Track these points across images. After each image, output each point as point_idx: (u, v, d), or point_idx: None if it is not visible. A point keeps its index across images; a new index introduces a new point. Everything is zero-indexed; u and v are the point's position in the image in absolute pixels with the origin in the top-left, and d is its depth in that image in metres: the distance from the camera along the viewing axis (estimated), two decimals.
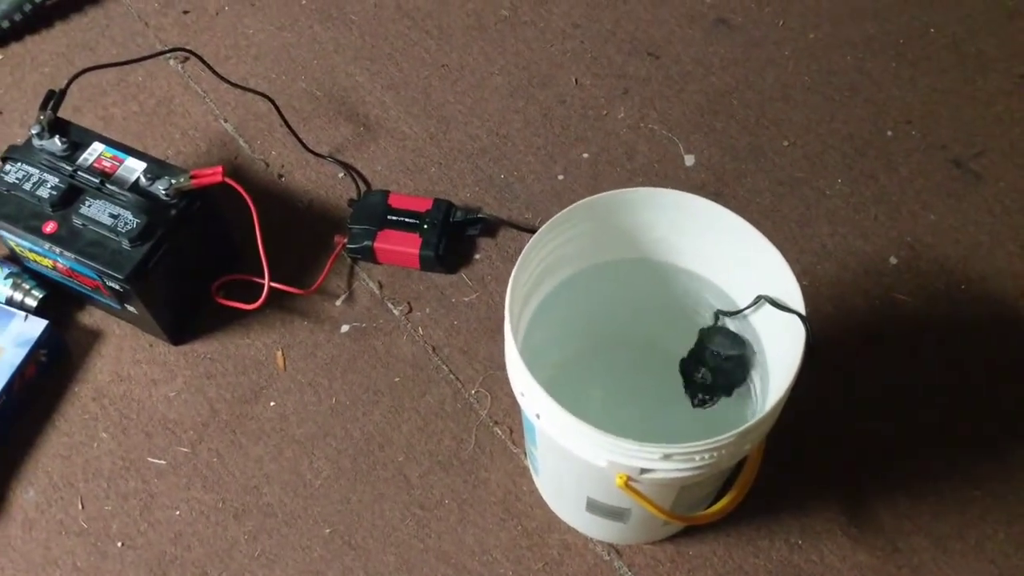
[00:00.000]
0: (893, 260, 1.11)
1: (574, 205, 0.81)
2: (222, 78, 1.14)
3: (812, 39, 1.30)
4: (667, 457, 0.70)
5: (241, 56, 1.28)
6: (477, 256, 1.12)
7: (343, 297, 1.10)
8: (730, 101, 1.24)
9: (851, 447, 0.99)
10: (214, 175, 0.96)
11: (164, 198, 0.97)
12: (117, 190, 0.96)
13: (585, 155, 1.20)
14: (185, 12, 1.33)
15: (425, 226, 1.09)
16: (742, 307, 0.85)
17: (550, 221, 0.80)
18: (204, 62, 1.11)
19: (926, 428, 0.99)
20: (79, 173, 0.97)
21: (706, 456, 0.71)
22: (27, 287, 1.05)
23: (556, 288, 0.88)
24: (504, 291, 1.08)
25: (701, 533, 0.95)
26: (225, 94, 1.25)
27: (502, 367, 1.03)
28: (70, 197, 0.97)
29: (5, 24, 1.27)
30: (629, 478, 0.73)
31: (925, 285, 1.09)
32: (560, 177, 1.18)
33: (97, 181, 0.97)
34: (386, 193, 1.12)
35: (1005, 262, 1.10)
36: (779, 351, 0.81)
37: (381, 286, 1.10)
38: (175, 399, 1.03)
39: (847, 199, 1.15)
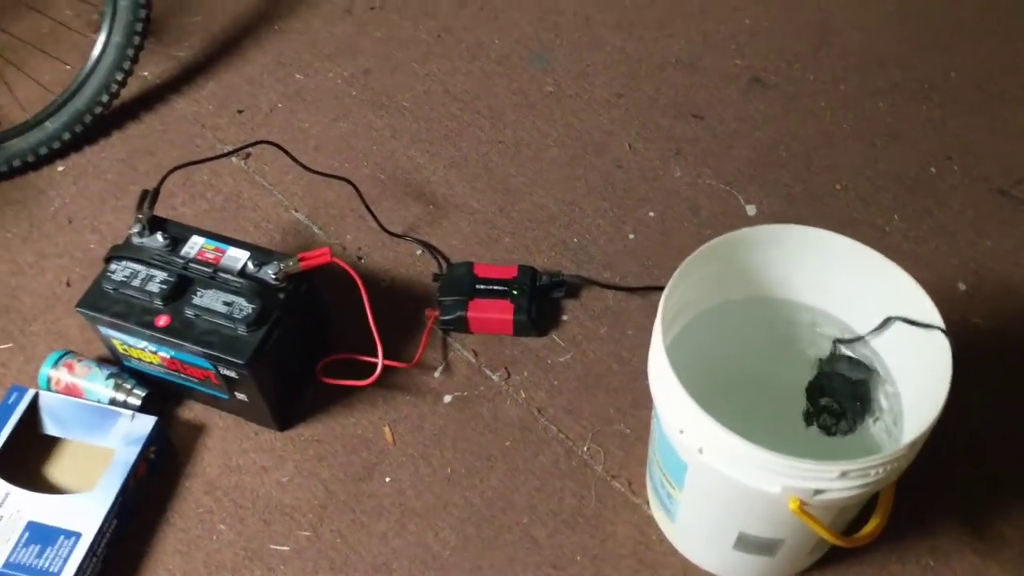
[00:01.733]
0: (962, 286, 1.15)
1: (699, 250, 0.84)
2: (303, 166, 1.17)
3: (843, 90, 1.37)
4: (844, 475, 0.72)
5: (301, 148, 1.31)
6: (565, 317, 1.15)
7: (440, 368, 1.11)
8: (778, 153, 1.30)
9: (963, 463, 1.01)
10: (322, 256, 0.98)
11: (274, 282, 0.98)
12: (229, 277, 0.97)
13: (651, 214, 1.24)
14: (240, 112, 1.37)
15: (514, 292, 1.12)
16: (862, 334, 0.88)
17: (681, 267, 0.83)
18: (285, 151, 1.14)
19: None
20: (191, 265, 0.98)
21: (880, 471, 0.73)
22: (128, 386, 1.04)
23: (680, 332, 0.91)
24: (596, 349, 1.11)
25: (834, 562, 0.96)
26: (292, 185, 1.28)
27: (609, 422, 1.05)
28: (180, 289, 0.98)
29: (66, 135, 1.29)
30: (802, 502, 0.74)
31: (996, 307, 1.14)
32: (631, 236, 1.22)
33: (209, 271, 0.98)
34: (471, 264, 1.15)
35: None
36: (910, 370, 0.84)
37: (476, 355, 1.12)
38: (288, 484, 1.02)
39: (906, 234, 1.21)
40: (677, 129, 1.33)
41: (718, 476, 0.77)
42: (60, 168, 1.31)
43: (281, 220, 1.24)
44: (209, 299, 0.96)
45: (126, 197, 1.27)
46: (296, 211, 1.25)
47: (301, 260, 0.98)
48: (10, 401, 1.03)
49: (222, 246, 1.02)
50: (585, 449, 1.04)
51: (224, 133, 1.34)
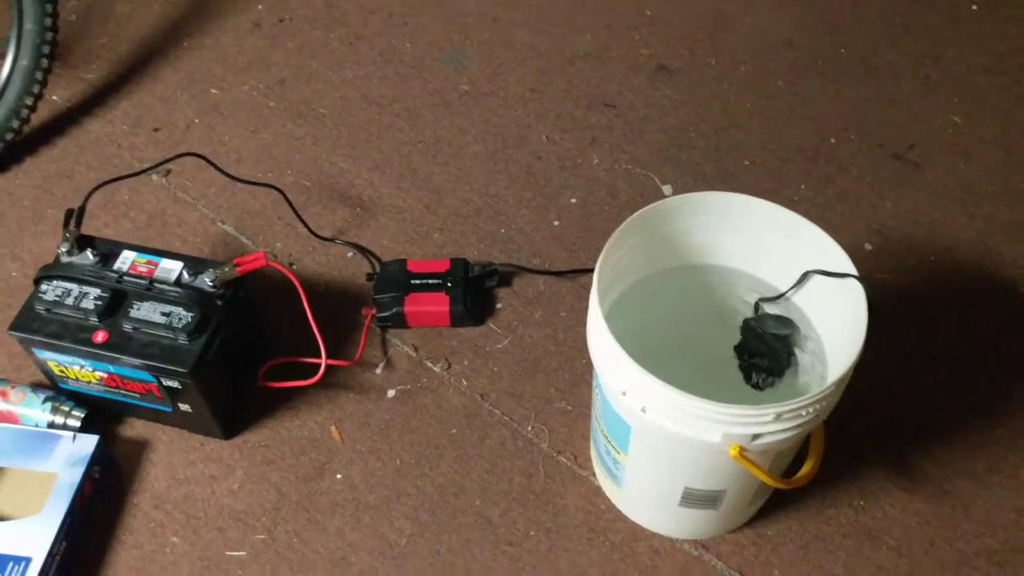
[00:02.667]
0: (868, 246, 1.22)
1: (628, 220, 0.88)
2: (228, 175, 1.17)
3: (744, 72, 1.44)
4: (778, 417, 0.76)
5: (223, 161, 1.31)
6: (499, 305, 1.18)
7: (382, 365, 1.12)
8: (688, 135, 1.36)
9: (883, 410, 1.08)
10: (257, 260, 0.99)
11: (211, 289, 0.99)
12: (165, 288, 0.98)
13: (573, 200, 1.28)
14: (156, 130, 1.36)
15: (449, 284, 1.14)
16: (783, 291, 0.93)
17: (613, 237, 0.87)
18: (209, 161, 1.14)
19: (946, 384, 1.10)
20: (125, 278, 0.98)
21: (811, 411, 0.78)
22: (67, 408, 1.03)
23: (614, 303, 0.95)
24: (532, 333, 1.14)
25: (773, 514, 1.01)
26: (216, 198, 1.28)
27: (550, 401, 1.09)
28: (115, 304, 0.97)
29: None
30: (742, 448, 0.79)
31: (901, 262, 1.21)
32: (556, 223, 1.26)
33: (144, 283, 0.98)
34: (404, 261, 1.17)
35: (961, 232, 1.24)
36: (831, 320, 0.90)
37: (416, 348, 1.14)
38: (239, 491, 1.03)
39: (813, 202, 1.27)
40: (591, 119, 1.38)
41: (661, 433, 0.80)
42: None
43: (208, 233, 1.24)
44: (146, 311, 0.96)
45: (44, 223, 1.25)
46: (223, 223, 1.25)
47: (237, 265, 0.99)
48: None
49: (154, 259, 1.02)
50: (529, 429, 1.07)
51: (142, 152, 1.33)
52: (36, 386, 1.06)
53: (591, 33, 1.50)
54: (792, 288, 0.93)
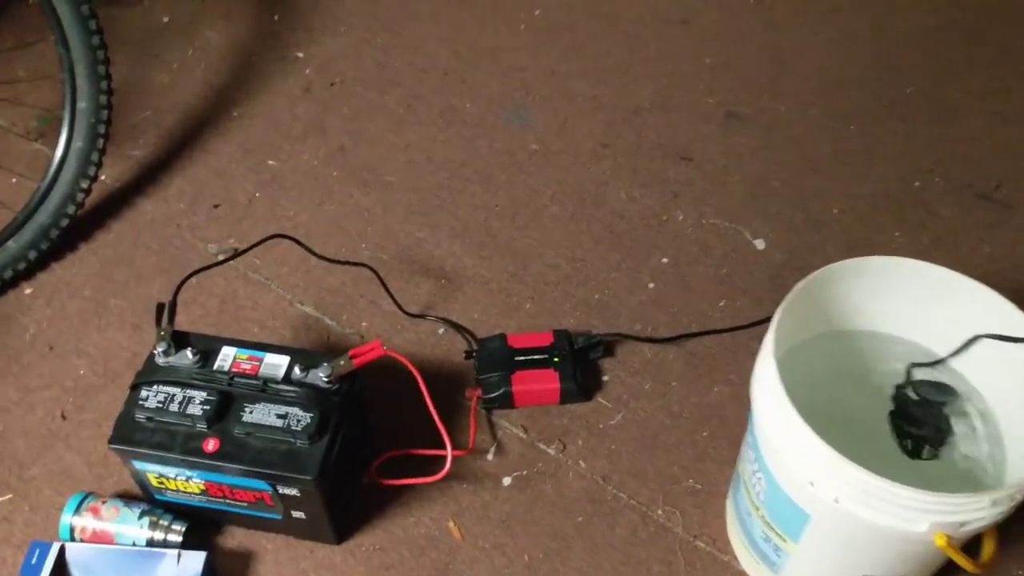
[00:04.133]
0: None
1: (797, 289, 0.83)
2: (318, 255, 1.10)
3: (815, 115, 1.40)
4: (994, 503, 0.71)
5: None
6: (606, 378, 1.12)
7: (492, 449, 1.05)
8: (771, 183, 1.32)
9: None
10: (374, 350, 0.92)
11: (326, 385, 0.91)
12: (279, 387, 0.90)
13: (664, 260, 1.23)
14: (215, 206, 1.29)
15: (556, 359, 1.08)
16: (943, 355, 0.88)
17: (780, 312, 0.81)
18: (299, 242, 1.07)
19: None
20: (234, 379, 0.91)
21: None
22: (165, 523, 0.95)
23: None
24: (645, 406, 1.08)
25: None
26: (289, 277, 1.20)
27: (676, 480, 1.02)
28: (224, 408, 0.90)
29: (32, 254, 1.18)
30: (949, 536, 0.73)
31: None
32: (650, 285, 1.20)
33: (256, 383, 0.90)
34: (504, 337, 1.10)
35: None
36: (1002, 386, 0.85)
37: (525, 430, 1.07)
38: None
39: (910, 249, 1.23)
40: (669, 172, 1.33)
41: (852, 522, 0.75)
42: (28, 291, 1.19)
43: (287, 316, 1.17)
44: (260, 414, 0.89)
45: (108, 314, 1.17)
46: (301, 304, 1.18)
47: (353, 357, 0.92)
48: (33, 560, 0.92)
49: (257, 354, 0.94)
50: (660, 512, 1.01)
51: (203, 232, 1.26)
52: (126, 498, 0.98)
53: (652, 81, 1.46)
54: (954, 352, 0.88)
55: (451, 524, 1.00)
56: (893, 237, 1.25)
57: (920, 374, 0.90)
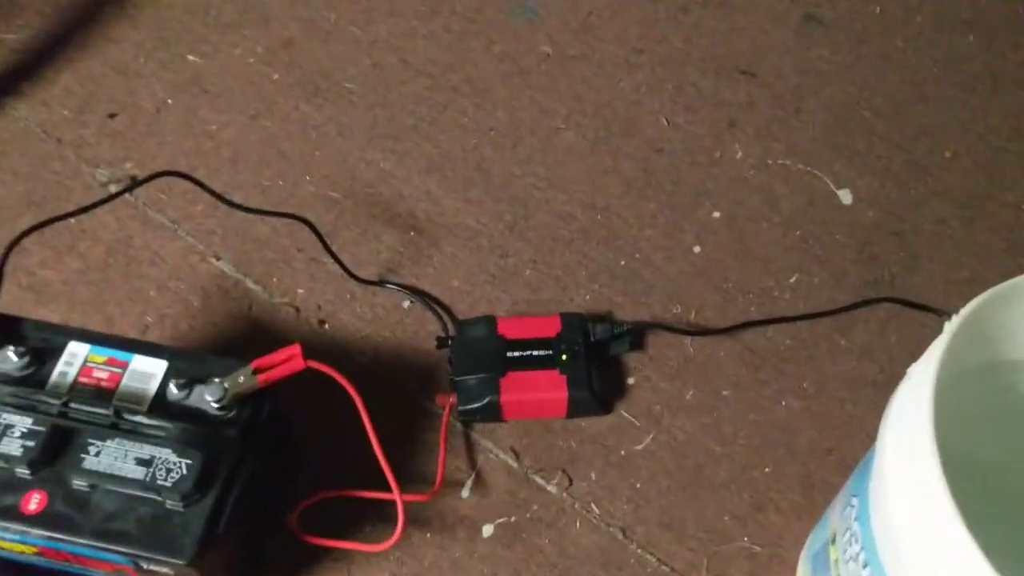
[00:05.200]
0: None
1: (970, 309, 0.51)
2: (230, 203, 0.77)
3: (921, 23, 1.05)
4: None
5: (212, 165, 0.92)
6: (630, 380, 0.81)
7: (469, 483, 0.76)
8: (860, 113, 0.98)
9: None
10: (292, 360, 0.61)
11: (216, 412, 0.60)
12: (140, 419, 0.59)
13: (716, 214, 0.90)
14: (111, 116, 0.95)
15: (563, 356, 0.77)
16: None
17: (949, 336, 0.50)
18: (201, 184, 0.74)
19: None
20: (73, 402, 0.59)
21: None
22: None
23: None
24: (684, 423, 0.78)
25: None
26: (206, 219, 0.88)
27: (727, 536, 0.73)
28: (59, 444, 0.59)
29: None
30: None
31: None
32: (696, 249, 0.88)
33: (105, 410, 0.59)
34: (492, 320, 0.79)
35: None
36: None
37: (517, 456, 0.77)
38: None
39: None
40: (724, 91, 0.99)
41: None
42: None
43: (197, 274, 0.85)
44: (112, 456, 0.58)
45: None
46: (217, 259, 0.86)
47: (257, 372, 0.61)
48: None
49: (119, 354, 0.63)
50: None
51: (93, 151, 0.93)
52: None
53: None
54: None
55: None
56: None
57: None
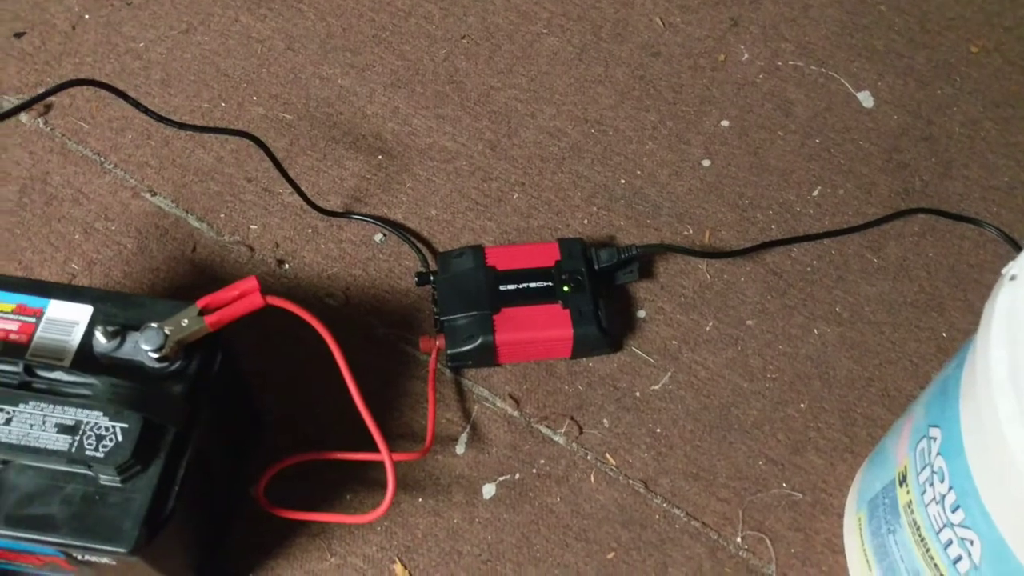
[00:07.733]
0: None
1: None
2: (160, 117, 0.65)
3: None
4: None
5: (140, 86, 0.79)
6: (641, 314, 0.70)
7: (464, 436, 0.65)
8: (875, 7, 0.88)
9: None
10: (247, 297, 0.49)
11: (156, 365, 0.49)
12: (61, 377, 0.47)
13: (724, 123, 0.80)
14: (18, 35, 0.81)
15: (564, 287, 0.66)
16: None
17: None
18: (120, 93, 0.62)
19: None
20: None
21: None
22: None
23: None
24: (706, 358, 0.68)
25: None
26: (136, 148, 0.76)
27: (763, 483, 0.64)
28: None
29: None
30: None
31: None
32: (705, 163, 0.78)
33: (17, 369, 0.47)
34: (480, 250, 0.68)
35: None
36: None
37: (518, 403, 0.67)
38: None
39: None
40: None
41: None
42: None
43: (130, 213, 0.73)
44: (24, 423, 0.46)
45: None
46: (152, 194, 0.74)
47: (204, 313, 0.49)
48: None
49: (32, 301, 0.51)
50: (738, 540, 0.62)
51: None
52: None
53: None
54: None
55: (397, 568, 0.60)
56: None
57: None
